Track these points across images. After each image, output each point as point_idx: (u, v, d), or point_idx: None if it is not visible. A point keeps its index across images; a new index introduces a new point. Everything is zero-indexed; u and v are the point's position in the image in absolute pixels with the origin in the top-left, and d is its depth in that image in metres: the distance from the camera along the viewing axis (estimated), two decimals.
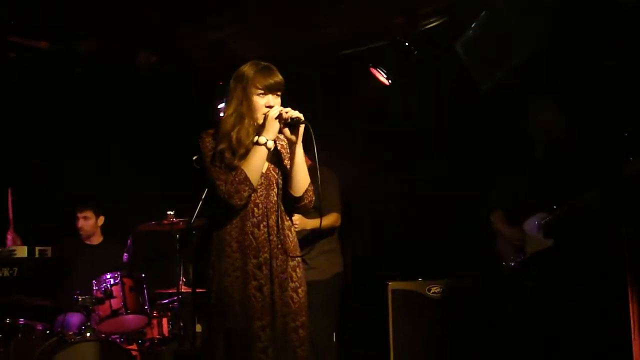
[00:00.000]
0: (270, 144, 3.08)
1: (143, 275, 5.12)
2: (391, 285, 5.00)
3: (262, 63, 3.18)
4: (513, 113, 4.61)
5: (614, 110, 4.28)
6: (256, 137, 3.07)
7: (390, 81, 5.26)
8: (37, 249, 5.00)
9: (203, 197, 4.57)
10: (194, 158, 4.58)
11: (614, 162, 3.83)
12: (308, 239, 4.53)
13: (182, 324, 5.12)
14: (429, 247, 5.37)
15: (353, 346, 5.60)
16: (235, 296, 3.04)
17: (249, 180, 3.03)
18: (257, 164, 3.07)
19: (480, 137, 5.16)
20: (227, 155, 3.07)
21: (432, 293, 4.93)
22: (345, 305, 5.04)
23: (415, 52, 5.05)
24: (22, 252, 4.94)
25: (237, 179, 3.02)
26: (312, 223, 4.59)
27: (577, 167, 4.03)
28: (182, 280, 5.12)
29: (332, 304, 4.85)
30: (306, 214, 3.59)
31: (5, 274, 4.89)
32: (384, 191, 5.70)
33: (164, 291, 5.33)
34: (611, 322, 3.97)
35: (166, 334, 5.16)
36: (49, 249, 5.03)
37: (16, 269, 4.90)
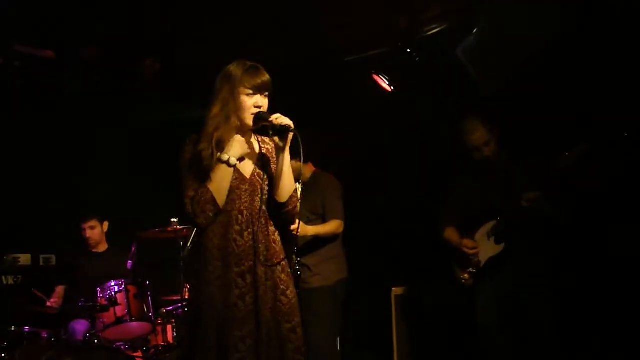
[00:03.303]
0: (233, 161, 2.99)
1: (147, 282, 5.14)
2: (395, 290, 5.02)
3: (249, 62, 3.11)
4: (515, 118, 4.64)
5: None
6: (219, 154, 2.98)
7: (392, 88, 5.28)
8: (41, 256, 5.02)
9: None
10: None
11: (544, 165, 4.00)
12: (312, 245, 4.55)
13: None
14: (433, 252, 5.37)
15: (357, 351, 5.60)
16: (217, 305, 2.95)
17: (215, 201, 2.96)
18: (222, 183, 2.99)
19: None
20: (205, 156, 3.00)
21: (436, 298, 4.93)
22: (349, 311, 5.05)
23: (417, 59, 5.07)
24: (26, 260, 4.96)
25: (202, 198, 2.96)
26: (313, 229, 4.61)
27: (514, 176, 4.17)
28: (186, 287, 5.13)
29: (336, 309, 4.86)
30: (291, 220, 3.50)
31: (9, 282, 4.90)
32: (388, 196, 5.71)
33: (168, 298, 5.34)
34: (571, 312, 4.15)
35: (170, 341, 5.17)
36: (52, 257, 5.05)
37: (20, 276, 4.92)
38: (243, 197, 3.06)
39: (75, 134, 6.15)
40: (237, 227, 3.02)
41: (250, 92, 3.05)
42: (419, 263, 5.38)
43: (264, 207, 3.09)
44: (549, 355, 4.01)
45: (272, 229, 3.12)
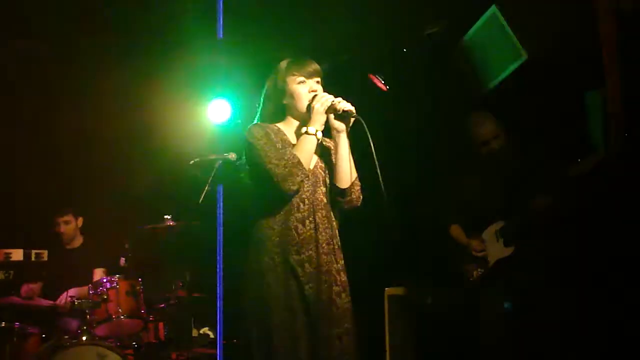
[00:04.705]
0: (320, 135, 2.97)
1: (139, 279, 5.11)
2: (388, 291, 5.00)
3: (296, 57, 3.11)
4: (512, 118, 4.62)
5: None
6: (304, 128, 2.96)
7: (388, 87, 5.27)
8: (33, 252, 4.99)
9: (200, 200, 4.61)
10: (191, 162, 4.62)
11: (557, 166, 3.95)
12: None
13: (178, 328, 5.11)
14: (427, 252, 5.36)
15: None
16: (279, 293, 2.89)
17: (302, 165, 2.91)
18: (308, 151, 2.95)
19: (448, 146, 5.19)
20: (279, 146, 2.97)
21: (429, 299, 4.92)
22: None
23: (413, 59, 5.07)
24: (17, 255, 4.92)
25: (290, 162, 2.89)
26: None
27: (523, 174, 4.12)
28: (179, 284, 5.12)
29: None
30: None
31: (0, 277, 4.87)
32: (381, 195, 5.68)
33: (160, 295, 5.32)
34: (580, 321, 4.07)
35: (162, 338, 5.16)
36: (44, 252, 5.02)
37: (12, 272, 4.89)
38: (305, 186, 2.98)
39: (68, 128, 6.12)
40: (298, 215, 2.96)
41: (302, 78, 3.03)
42: (414, 263, 5.37)
43: (325, 200, 3.04)
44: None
45: (333, 223, 3.06)
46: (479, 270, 4.22)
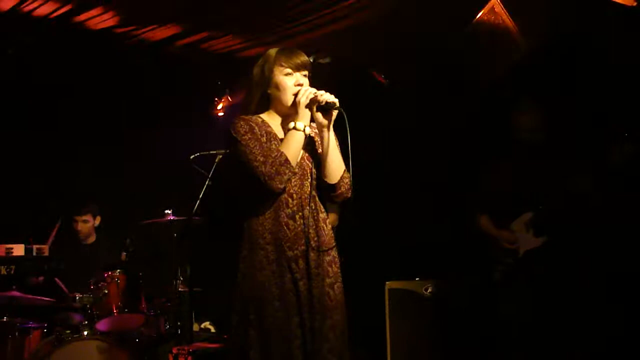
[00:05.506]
0: (308, 130, 2.92)
1: (140, 274, 5.11)
2: (388, 284, 4.99)
3: (286, 47, 3.04)
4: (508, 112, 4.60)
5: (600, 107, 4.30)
6: (292, 123, 2.91)
7: (388, 81, 5.27)
8: (34, 247, 5.01)
9: (201, 195, 4.61)
10: (191, 157, 4.63)
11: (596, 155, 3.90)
12: None
13: (178, 323, 5.11)
14: (428, 246, 5.36)
15: (351, 346, 5.58)
16: (274, 291, 2.86)
17: (290, 164, 2.86)
18: (296, 148, 2.90)
19: (478, 136, 5.17)
20: (263, 140, 2.92)
21: (430, 292, 4.91)
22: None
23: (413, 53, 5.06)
24: (19, 250, 4.94)
25: (277, 160, 2.84)
26: None
27: (560, 165, 4.07)
28: (179, 279, 5.13)
29: None
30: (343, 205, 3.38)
31: (2, 272, 4.88)
32: (381, 189, 5.69)
33: (161, 290, 5.33)
34: (610, 316, 4.00)
35: (163, 333, 5.16)
36: (45, 247, 5.05)
37: (13, 267, 4.91)
38: (293, 181, 2.94)
39: (70, 124, 6.13)
40: (288, 211, 2.92)
41: (289, 70, 2.97)
42: (416, 258, 5.37)
43: (313, 192, 2.99)
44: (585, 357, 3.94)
45: (322, 215, 3.01)
46: (508, 261, 4.17)
